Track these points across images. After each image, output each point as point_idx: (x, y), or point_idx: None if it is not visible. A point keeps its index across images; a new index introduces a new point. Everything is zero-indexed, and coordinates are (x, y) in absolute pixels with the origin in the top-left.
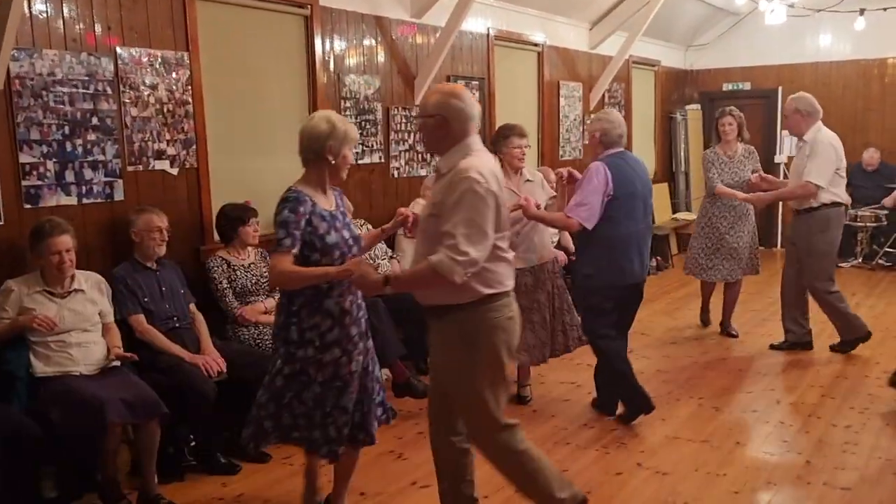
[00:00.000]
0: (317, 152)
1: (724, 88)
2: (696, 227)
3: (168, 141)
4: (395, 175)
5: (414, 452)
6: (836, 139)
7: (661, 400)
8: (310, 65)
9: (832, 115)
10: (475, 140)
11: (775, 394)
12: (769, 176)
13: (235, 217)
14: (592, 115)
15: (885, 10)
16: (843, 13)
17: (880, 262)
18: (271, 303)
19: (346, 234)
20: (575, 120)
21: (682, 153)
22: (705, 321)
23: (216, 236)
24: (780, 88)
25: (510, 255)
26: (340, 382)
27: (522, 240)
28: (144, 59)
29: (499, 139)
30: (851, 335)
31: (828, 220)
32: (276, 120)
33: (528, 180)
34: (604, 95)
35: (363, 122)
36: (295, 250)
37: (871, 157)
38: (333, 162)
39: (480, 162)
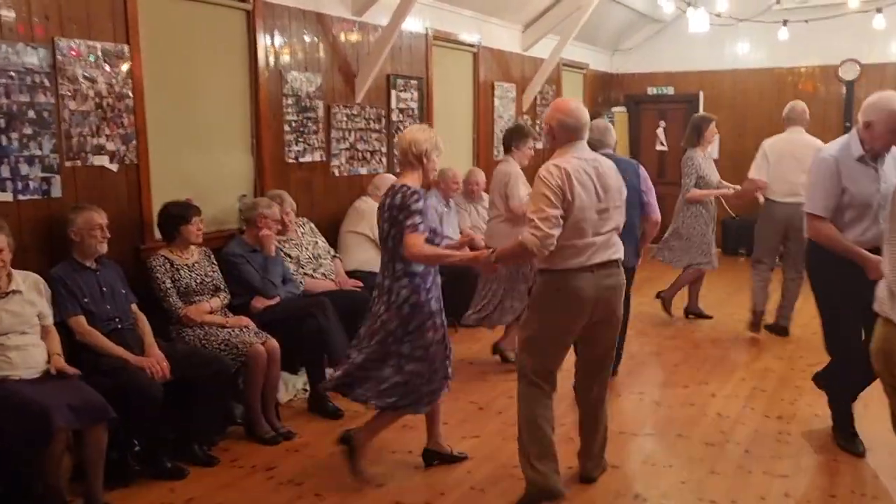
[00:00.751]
0: (418, 157)
1: (649, 92)
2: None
3: (108, 136)
4: (336, 174)
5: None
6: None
7: None
8: (252, 61)
9: (749, 120)
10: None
11: (710, 387)
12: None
13: (178, 215)
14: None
15: (806, 21)
16: (765, 23)
17: None
18: (217, 302)
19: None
20: (509, 120)
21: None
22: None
23: (157, 234)
24: (701, 93)
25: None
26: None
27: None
28: (83, 51)
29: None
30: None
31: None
32: (219, 116)
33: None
34: (536, 97)
35: (304, 120)
36: (427, 234)
37: None
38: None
39: (562, 160)
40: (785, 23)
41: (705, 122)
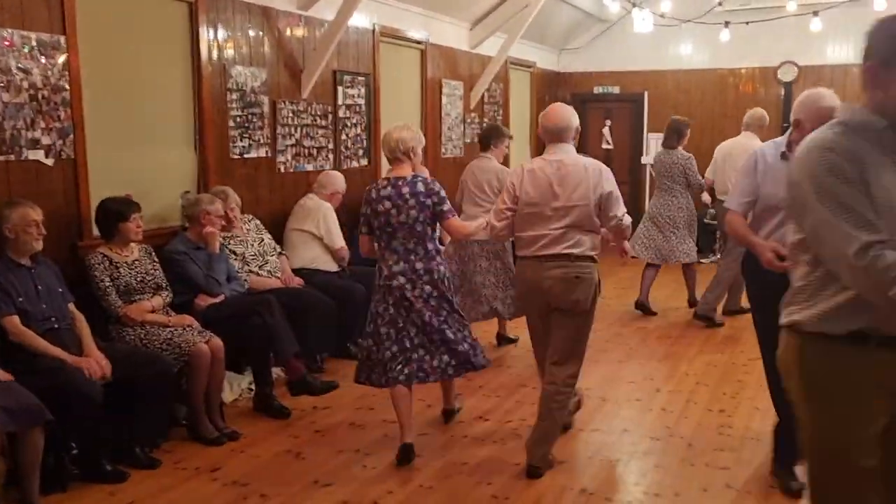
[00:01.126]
0: (406, 153)
1: (595, 91)
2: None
3: (43, 129)
4: (282, 170)
5: (312, 451)
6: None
7: None
8: (195, 54)
9: (693, 121)
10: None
11: (655, 383)
12: None
13: (116, 212)
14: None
15: (747, 23)
16: (708, 24)
17: None
18: (158, 301)
19: None
20: (456, 118)
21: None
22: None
23: (95, 231)
24: (645, 93)
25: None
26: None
27: None
28: (17, 42)
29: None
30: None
31: None
32: (161, 110)
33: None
34: (483, 95)
35: (249, 116)
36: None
37: None
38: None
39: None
40: (727, 24)
41: (685, 126)
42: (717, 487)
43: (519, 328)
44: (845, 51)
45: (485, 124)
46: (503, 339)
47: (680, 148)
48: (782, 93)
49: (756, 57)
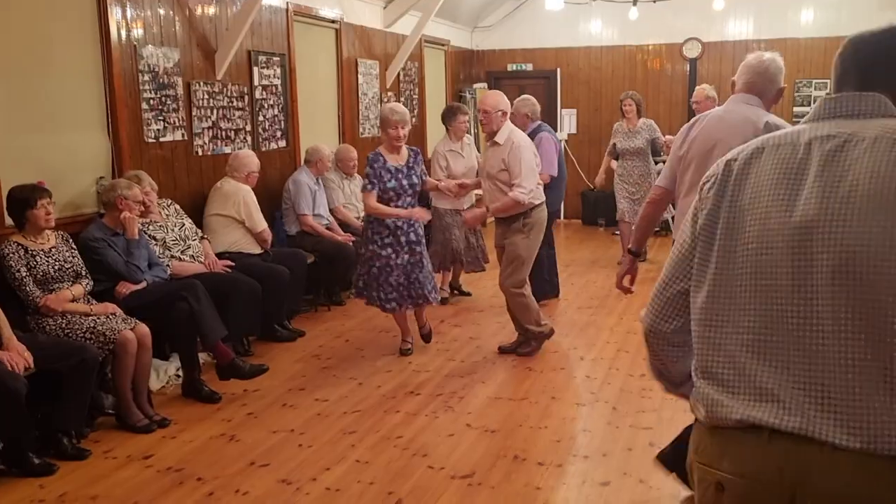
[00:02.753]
0: (382, 128)
1: (509, 69)
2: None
3: None
4: (200, 153)
5: (246, 433)
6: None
7: (479, 364)
8: (103, 35)
9: (603, 97)
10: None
11: (578, 351)
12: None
13: (21, 199)
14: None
15: (654, 1)
16: (617, 2)
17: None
18: (79, 289)
19: (405, 182)
20: (373, 97)
21: (473, 129)
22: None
23: (9, 220)
24: (558, 69)
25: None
26: (389, 268)
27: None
28: None
29: (448, 116)
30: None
31: None
32: (69, 94)
33: (468, 144)
34: (399, 74)
35: (163, 98)
36: (375, 190)
37: None
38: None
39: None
40: (635, 2)
41: (620, 100)
42: (641, 446)
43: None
44: (746, 27)
45: (402, 104)
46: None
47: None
48: (688, 68)
49: (663, 34)
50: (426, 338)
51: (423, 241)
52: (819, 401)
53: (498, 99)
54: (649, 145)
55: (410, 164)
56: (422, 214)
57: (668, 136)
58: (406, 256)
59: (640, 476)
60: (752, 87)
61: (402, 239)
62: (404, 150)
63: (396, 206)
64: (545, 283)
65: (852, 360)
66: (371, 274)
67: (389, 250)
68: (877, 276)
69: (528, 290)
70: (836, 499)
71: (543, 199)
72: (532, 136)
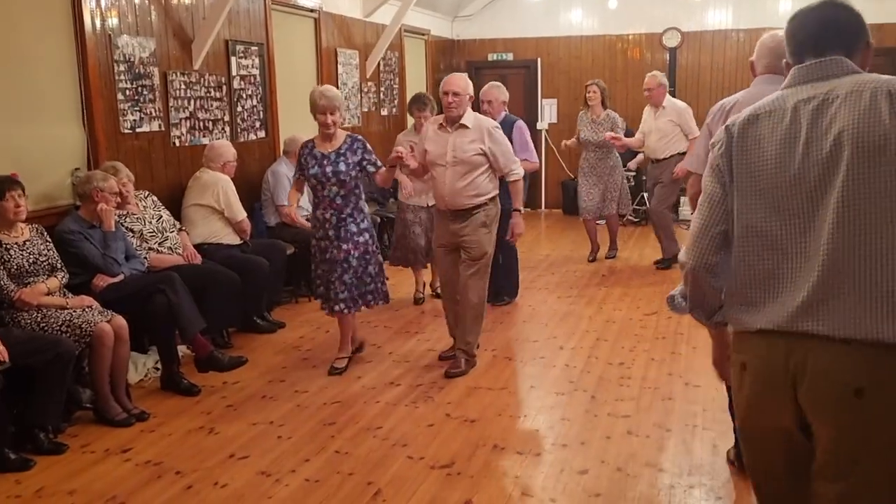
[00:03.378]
0: (313, 115)
1: (490, 58)
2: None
3: None
4: (177, 144)
5: (225, 426)
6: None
7: None
8: (77, 24)
9: (583, 85)
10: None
11: (558, 341)
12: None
13: None
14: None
15: None
16: None
17: (630, 218)
18: (54, 283)
19: (328, 169)
20: (353, 87)
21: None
22: (594, 259)
23: None
24: (538, 59)
25: None
26: (326, 264)
27: (429, 187)
28: None
29: (417, 104)
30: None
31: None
32: (42, 85)
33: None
34: (379, 63)
35: (139, 88)
36: (295, 177)
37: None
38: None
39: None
40: None
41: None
42: (619, 434)
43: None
44: (725, 17)
45: (382, 93)
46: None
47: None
48: (667, 58)
49: (642, 24)
50: (333, 369)
51: (359, 241)
52: (815, 308)
53: (467, 81)
54: None
55: (342, 152)
56: (300, 222)
57: (609, 133)
58: (333, 252)
59: (618, 464)
60: (774, 68)
61: (331, 233)
62: (339, 137)
63: (322, 196)
64: (504, 284)
65: (841, 263)
66: (319, 273)
67: (324, 243)
68: (868, 204)
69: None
70: (825, 373)
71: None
72: (504, 123)
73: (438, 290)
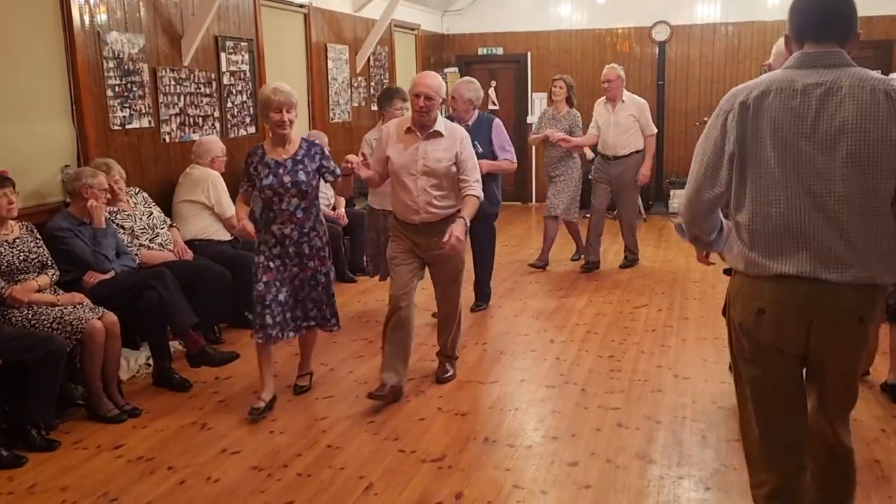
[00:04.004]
0: (262, 113)
1: (480, 53)
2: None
3: None
4: (167, 140)
5: (217, 421)
6: None
7: None
8: (66, 20)
9: (573, 78)
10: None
11: (548, 334)
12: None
13: None
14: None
15: None
16: None
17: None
18: (45, 280)
19: (286, 179)
20: (343, 82)
21: (443, 113)
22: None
23: None
24: (528, 53)
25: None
26: (276, 284)
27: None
28: None
29: (385, 100)
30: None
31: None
32: (31, 81)
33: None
34: (369, 58)
35: (129, 85)
36: (242, 189)
37: None
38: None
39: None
40: None
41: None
42: (610, 426)
43: None
44: (713, 10)
45: (372, 88)
46: None
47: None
48: (657, 51)
49: (632, 17)
50: (297, 388)
51: (324, 256)
52: (829, 256)
53: (441, 82)
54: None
55: (299, 159)
56: (249, 232)
57: (557, 134)
58: (295, 270)
59: (608, 456)
60: None
61: (292, 250)
62: (294, 142)
63: (279, 210)
64: (478, 291)
65: (847, 224)
66: (257, 292)
67: (278, 262)
68: (863, 181)
69: None
70: (834, 309)
71: None
72: (480, 123)
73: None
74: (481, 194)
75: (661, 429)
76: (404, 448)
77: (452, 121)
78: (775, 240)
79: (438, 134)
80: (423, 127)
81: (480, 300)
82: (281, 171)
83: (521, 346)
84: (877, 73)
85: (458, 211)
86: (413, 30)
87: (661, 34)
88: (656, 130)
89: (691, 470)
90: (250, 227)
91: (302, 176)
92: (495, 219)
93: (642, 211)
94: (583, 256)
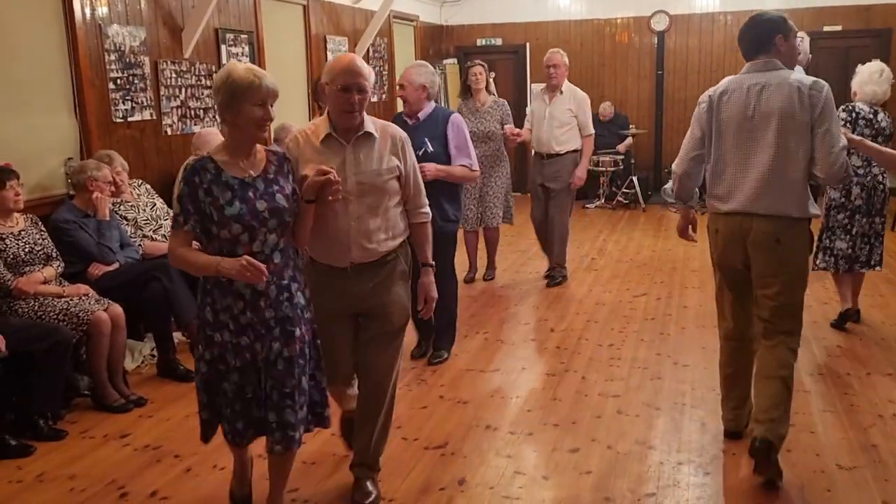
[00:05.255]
0: (230, 108)
1: (478, 43)
2: None
3: None
4: (169, 132)
5: None
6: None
7: None
8: (67, 13)
9: (573, 70)
10: None
11: (549, 323)
12: (516, 129)
13: None
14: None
15: None
16: None
17: (620, 200)
18: (50, 272)
19: (260, 204)
20: None
21: (443, 104)
22: (472, 279)
23: None
24: (527, 44)
25: None
26: (253, 369)
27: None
28: None
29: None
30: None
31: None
32: (33, 74)
33: None
34: (368, 50)
35: (130, 77)
36: (188, 227)
37: (606, 109)
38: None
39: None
40: None
41: (466, 69)
42: (610, 414)
43: None
44: (713, 0)
45: (383, 78)
46: None
47: None
48: (655, 41)
49: (630, 7)
50: None
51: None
52: (758, 199)
53: (420, 70)
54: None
55: (271, 177)
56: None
57: (509, 127)
58: (276, 346)
59: (609, 442)
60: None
61: (269, 314)
62: (260, 153)
63: (250, 251)
64: (442, 336)
65: (768, 176)
66: (206, 380)
67: (243, 337)
68: (790, 128)
69: None
70: (761, 232)
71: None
72: (432, 118)
73: None
74: (429, 214)
75: (661, 415)
76: (407, 436)
77: (401, 117)
78: (724, 190)
79: (369, 136)
80: (349, 130)
81: (442, 345)
82: (251, 194)
83: (522, 335)
84: (797, 74)
85: (402, 245)
86: (412, 21)
87: (660, 24)
88: (594, 132)
89: (691, 456)
90: (257, 263)
91: (281, 200)
92: (454, 244)
93: (642, 201)
94: (481, 275)
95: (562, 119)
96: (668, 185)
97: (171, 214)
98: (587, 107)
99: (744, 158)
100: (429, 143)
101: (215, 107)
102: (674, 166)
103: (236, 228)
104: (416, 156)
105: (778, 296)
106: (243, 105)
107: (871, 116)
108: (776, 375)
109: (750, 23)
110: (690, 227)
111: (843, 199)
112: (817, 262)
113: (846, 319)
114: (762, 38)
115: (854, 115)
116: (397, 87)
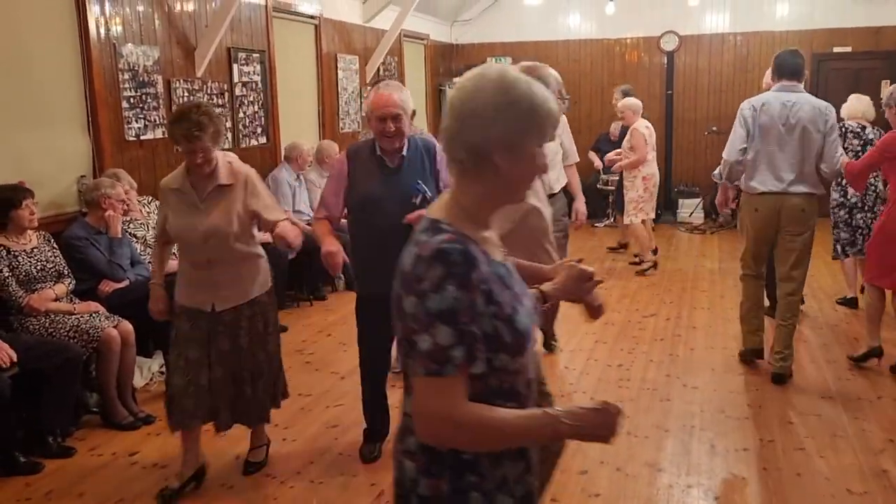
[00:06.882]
0: (475, 152)
1: (488, 62)
2: None
3: None
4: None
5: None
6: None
7: None
8: (82, 32)
9: (582, 90)
10: None
11: (557, 343)
12: None
13: (6, 199)
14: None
15: None
16: None
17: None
18: (61, 289)
19: (526, 301)
20: (353, 92)
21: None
22: None
23: None
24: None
25: None
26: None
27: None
28: None
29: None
30: None
31: None
32: (48, 93)
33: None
34: (379, 68)
35: (143, 96)
36: (477, 367)
37: (615, 128)
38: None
39: None
40: None
41: None
42: (618, 435)
43: None
44: (722, 20)
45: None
46: None
47: None
48: (665, 61)
49: (640, 27)
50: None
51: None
52: (787, 182)
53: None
54: None
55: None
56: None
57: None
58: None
59: (617, 464)
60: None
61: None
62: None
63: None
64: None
65: (795, 167)
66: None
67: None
68: (810, 135)
69: None
70: (792, 206)
71: None
72: (412, 152)
73: None
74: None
75: (670, 437)
76: None
77: (376, 157)
78: (762, 177)
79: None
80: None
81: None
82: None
83: None
84: (813, 98)
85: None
86: (422, 40)
87: (669, 44)
88: (578, 160)
89: (700, 479)
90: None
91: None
92: None
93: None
94: None
95: (551, 149)
96: (717, 171)
97: (424, 350)
98: (568, 131)
99: (778, 154)
100: (424, 186)
101: (466, 141)
102: (725, 155)
103: (529, 349)
104: (413, 204)
105: (802, 245)
106: (532, 146)
107: (858, 130)
108: (788, 323)
109: (794, 53)
110: (727, 201)
111: (841, 199)
112: (834, 254)
113: (869, 357)
114: (799, 68)
115: (843, 129)
116: (380, 121)
